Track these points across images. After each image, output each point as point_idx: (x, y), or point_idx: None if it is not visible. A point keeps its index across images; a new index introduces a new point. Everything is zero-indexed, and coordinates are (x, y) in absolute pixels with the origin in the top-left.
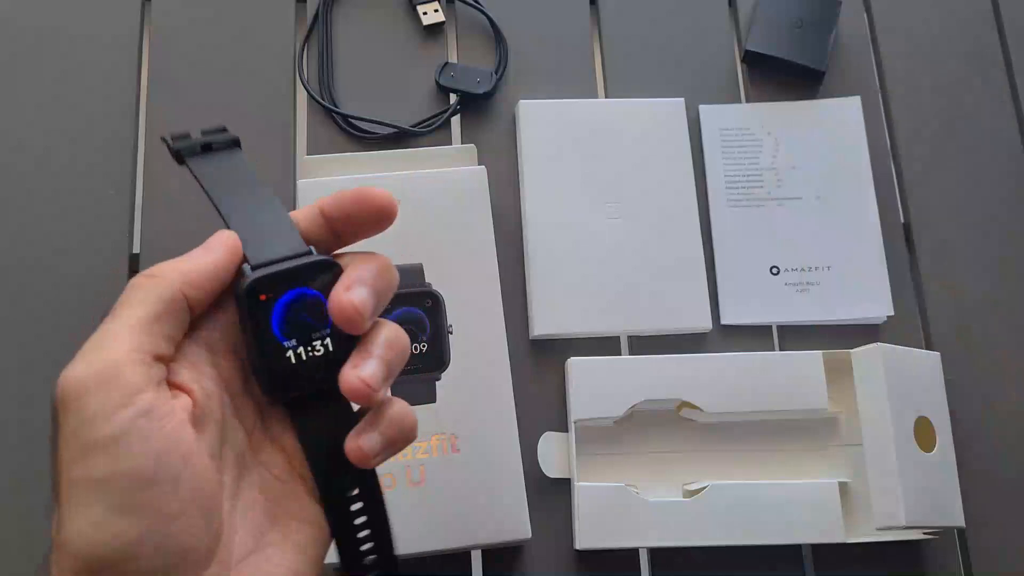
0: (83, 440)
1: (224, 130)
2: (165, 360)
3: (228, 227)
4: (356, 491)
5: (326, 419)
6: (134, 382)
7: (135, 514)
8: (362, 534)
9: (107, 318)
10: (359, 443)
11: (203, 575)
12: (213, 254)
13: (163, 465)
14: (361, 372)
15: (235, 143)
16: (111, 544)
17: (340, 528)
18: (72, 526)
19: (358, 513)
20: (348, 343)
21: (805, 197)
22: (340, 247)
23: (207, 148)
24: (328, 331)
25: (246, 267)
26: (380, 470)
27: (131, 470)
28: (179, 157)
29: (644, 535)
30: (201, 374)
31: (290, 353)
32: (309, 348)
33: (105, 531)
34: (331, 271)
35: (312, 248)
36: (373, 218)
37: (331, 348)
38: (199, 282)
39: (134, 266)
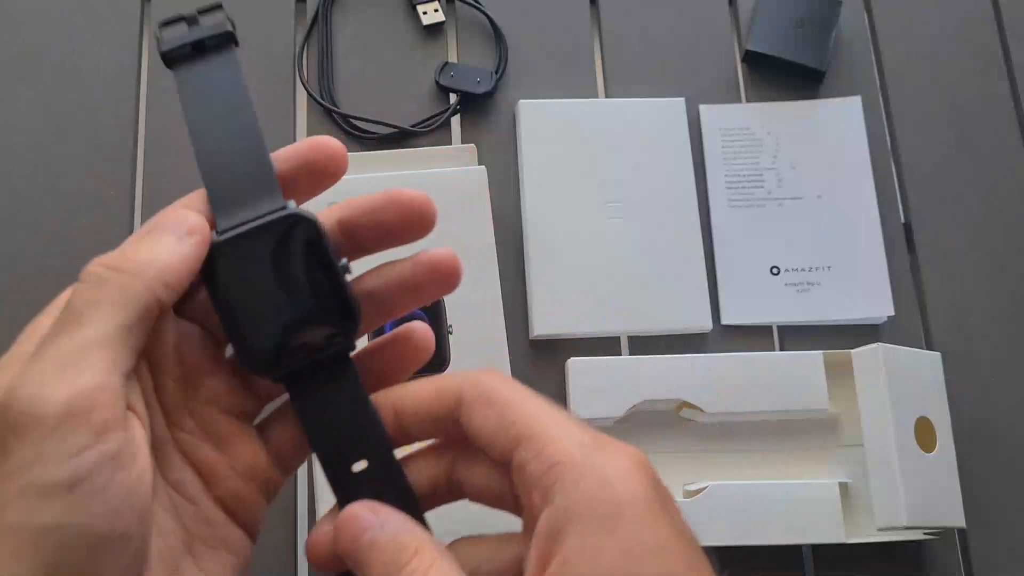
0: (30, 479)
1: (219, 7)
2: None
3: (199, 168)
4: (367, 466)
5: (331, 392)
6: (106, 418)
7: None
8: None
9: (67, 318)
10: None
11: None
12: (185, 246)
13: (116, 525)
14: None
15: (229, 37)
16: None
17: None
18: None
19: (377, 494)
20: (336, 303)
21: (806, 197)
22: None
23: (199, 47)
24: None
25: (212, 234)
26: None
27: (79, 526)
28: (169, 60)
29: None
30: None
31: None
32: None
33: None
34: (300, 225)
35: (290, 203)
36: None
37: (314, 309)
38: (176, 284)
39: None
